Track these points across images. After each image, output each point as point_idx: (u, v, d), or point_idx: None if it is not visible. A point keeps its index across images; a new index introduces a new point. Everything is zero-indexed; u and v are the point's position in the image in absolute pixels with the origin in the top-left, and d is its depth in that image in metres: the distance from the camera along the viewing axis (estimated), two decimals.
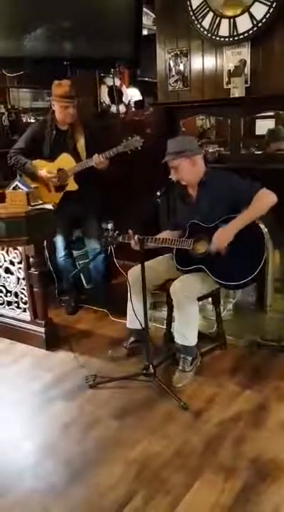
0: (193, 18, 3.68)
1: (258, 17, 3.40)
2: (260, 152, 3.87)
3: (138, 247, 2.73)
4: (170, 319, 3.19)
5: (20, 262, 3.26)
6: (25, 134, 3.64)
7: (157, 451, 2.26)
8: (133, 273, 2.91)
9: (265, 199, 2.69)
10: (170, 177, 2.81)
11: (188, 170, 2.78)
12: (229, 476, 2.08)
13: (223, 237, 2.70)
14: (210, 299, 3.15)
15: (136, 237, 2.72)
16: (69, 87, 3.47)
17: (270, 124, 3.89)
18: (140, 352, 3.05)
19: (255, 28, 3.44)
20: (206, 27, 3.64)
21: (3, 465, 2.24)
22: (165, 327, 3.27)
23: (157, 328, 3.35)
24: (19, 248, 3.22)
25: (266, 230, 2.90)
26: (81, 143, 3.58)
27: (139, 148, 3.35)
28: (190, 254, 2.81)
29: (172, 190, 2.93)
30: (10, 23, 3.90)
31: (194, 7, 3.67)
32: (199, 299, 2.86)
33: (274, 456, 2.18)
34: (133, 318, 2.93)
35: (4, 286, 3.43)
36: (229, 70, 3.67)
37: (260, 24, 3.41)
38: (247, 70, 3.59)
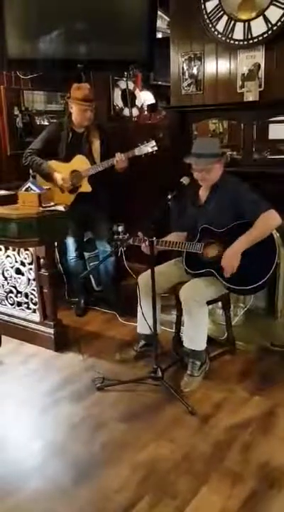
0: (207, 21, 3.67)
1: (273, 20, 3.37)
2: (273, 157, 3.84)
3: (148, 250, 2.73)
4: (179, 323, 3.17)
5: (31, 263, 3.28)
6: (42, 135, 3.67)
7: (164, 455, 2.24)
8: (143, 279, 2.91)
9: (269, 222, 2.69)
10: (181, 180, 2.81)
11: (217, 173, 2.82)
12: (237, 481, 2.06)
13: (231, 261, 2.70)
14: (220, 304, 3.13)
15: (147, 241, 2.72)
16: (89, 90, 3.51)
17: None
18: (148, 355, 3.04)
19: (270, 32, 3.42)
20: (221, 30, 3.62)
21: (10, 465, 2.24)
22: (174, 331, 3.25)
23: (166, 331, 3.33)
24: (30, 249, 3.24)
25: (278, 235, 2.87)
26: (96, 146, 3.60)
27: (154, 152, 3.37)
28: (200, 258, 2.80)
29: (183, 193, 2.93)
30: (25, 25, 3.93)
31: (208, 10, 3.66)
32: (209, 303, 2.85)
33: (282, 463, 2.16)
34: (143, 323, 2.93)
35: (15, 287, 3.45)
36: (243, 74, 3.65)
37: (275, 27, 3.39)
38: (261, 73, 3.57)
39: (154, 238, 2.68)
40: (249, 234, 2.68)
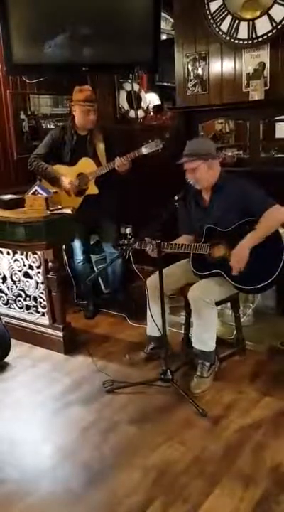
0: (211, 21, 3.67)
1: (278, 19, 3.37)
2: (280, 155, 3.82)
3: (154, 254, 2.72)
4: (188, 324, 3.16)
5: (39, 267, 3.28)
6: (45, 139, 3.67)
7: (175, 457, 2.23)
8: (152, 281, 2.91)
9: (275, 217, 2.66)
10: (188, 180, 2.80)
11: (204, 173, 2.76)
12: (249, 484, 2.04)
13: (239, 260, 2.68)
14: (229, 304, 3.12)
15: (153, 243, 2.71)
16: (91, 91, 3.51)
17: None
18: (158, 357, 3.02)
19: (274, 30, 3.41)
20: (225, 30, 3.62)
21: (21, 468, 2.24)
22: (183, 332, 3.24)
23: (176, 333, 3.32)
24: (38, 253, 3.24)
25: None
26: (100, 148, 3.60)
27: (159, 150, 3.36)
28: (207, 259, 2.79)
29: (190, 194, 2.92)
30: (29, 30, 3.94)
31: (212, 10, 3.65)
32: (218, 303, 2.83)
33: None
34: (153, 325, 2.93)
35: (23, 291, 3.46)
36: (248, 73, 3.65)
37: (279, 26, 3.38)
38: (266, 72, 3.56)
39: (160, 241, 2.67)
40: (256, 231, 2.67)
